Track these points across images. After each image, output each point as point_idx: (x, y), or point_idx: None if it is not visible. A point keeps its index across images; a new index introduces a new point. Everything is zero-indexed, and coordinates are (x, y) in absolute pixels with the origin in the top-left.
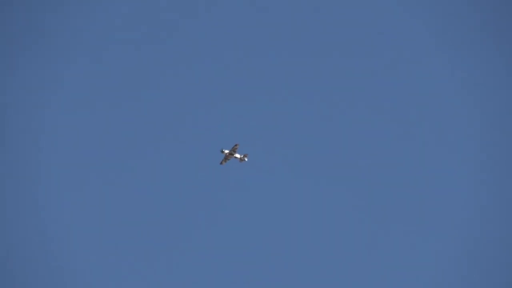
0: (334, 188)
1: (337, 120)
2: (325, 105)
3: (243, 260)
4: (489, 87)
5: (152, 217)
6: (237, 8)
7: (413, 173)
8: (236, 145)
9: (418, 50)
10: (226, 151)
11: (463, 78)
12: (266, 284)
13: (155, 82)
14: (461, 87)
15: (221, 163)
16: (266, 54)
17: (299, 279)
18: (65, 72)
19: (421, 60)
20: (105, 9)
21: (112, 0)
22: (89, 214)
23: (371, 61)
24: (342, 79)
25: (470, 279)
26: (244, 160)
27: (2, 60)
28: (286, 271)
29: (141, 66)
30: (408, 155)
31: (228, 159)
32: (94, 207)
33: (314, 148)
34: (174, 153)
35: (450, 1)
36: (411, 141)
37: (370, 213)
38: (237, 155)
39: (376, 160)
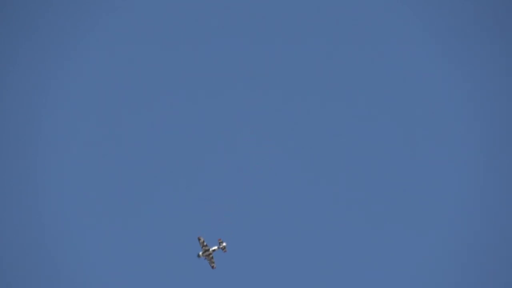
0: (330, 187)
1: (334, 118)
2: (322, 103)
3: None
4: (489, 88)
5: (154, 216)
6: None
7: (409, 173)
8: (199, 238)
9: (415, 49)
10: (200, 253)
11: (461, 77)
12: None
13: (157, 85)
14: (460, 87)
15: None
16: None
17: (294, 278)
18: (65, 73)
19: (419, 59)
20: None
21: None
22: (90, 214)
23: (370, 60)
24: (340, 78)
25: (466, 279)
26: (224, 247)
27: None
28: (282, 270)
29: (144, 69)
30: (404, 154)
31: (210, 256)
32: (95, 207)
33: (310, 146)
34: (174, 154)
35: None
36: (408, 140)
37: (366, 213)
38: (214, 248)
39: (373, 159)
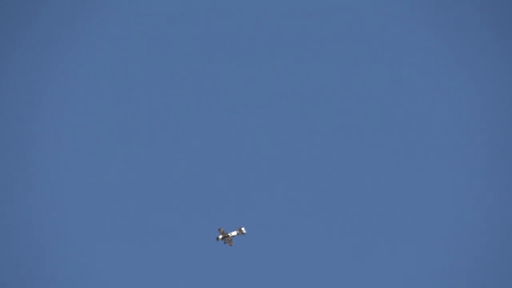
0: (329, 188)
1: (334, 116)
2: (321, 102)
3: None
4: (488, 88)
5: (155, 217)
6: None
7: (408, 173)
8: (219, 229)
9: (415, 48)
10: (220, 237)
11: (460, 77)
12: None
13: (157, 84)
14: (458, 87)
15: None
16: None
17: (289, 280)
18: (64, 73)
19: (418, 60)
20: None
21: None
22: (91, 215)
23: (368, 59)
24: (339, 77)
25: (465, 281)
26: (243, 232)
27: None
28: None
29: (144, 68)
30: (404, 154)
31: (229, 239)
32: (96, 208)
33: (310, 145)
34: (175, 154)
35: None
36: (407, 141)
37: (365, 215)
38: (234, 233)
39: (372, 159)
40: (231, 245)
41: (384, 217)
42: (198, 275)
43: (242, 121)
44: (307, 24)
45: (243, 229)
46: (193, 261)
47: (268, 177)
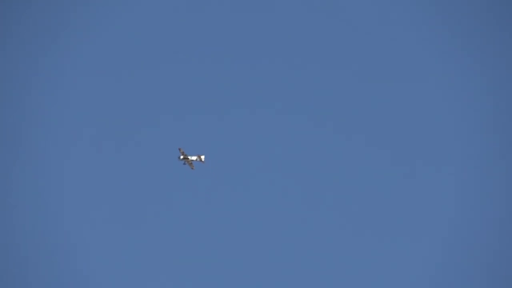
0: (325, 189)
1: (334, 118)
2: (321, 106)
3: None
4: (488, 90)
5: (157, 218)
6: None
7: (407, 176)
8: (179, 149)
9: (414, 47)
10: (181, 157)
11: (459, 78)
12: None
13: (158, 82)
14: (457, 88)
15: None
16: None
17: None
18: (65, 72)
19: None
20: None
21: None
22: (93, 216)
23: (367, 60)
24: (339, 76)
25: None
26: (202, 160)
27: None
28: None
29: (145, 67)
30: (403, 157)
31: (189, 161)
32: (98, 209)
33: (302, 148)
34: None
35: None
36: (406, 144)
37: (365, 218)
38: (193, 157)
39: (371, 161)
40: (192, 169)
41: (386, 217)
42: (198, 275)
43: (241, 121)
44: (307, 24)
45: (202, 157)
46: (193, 261)
47: (271, 177)
